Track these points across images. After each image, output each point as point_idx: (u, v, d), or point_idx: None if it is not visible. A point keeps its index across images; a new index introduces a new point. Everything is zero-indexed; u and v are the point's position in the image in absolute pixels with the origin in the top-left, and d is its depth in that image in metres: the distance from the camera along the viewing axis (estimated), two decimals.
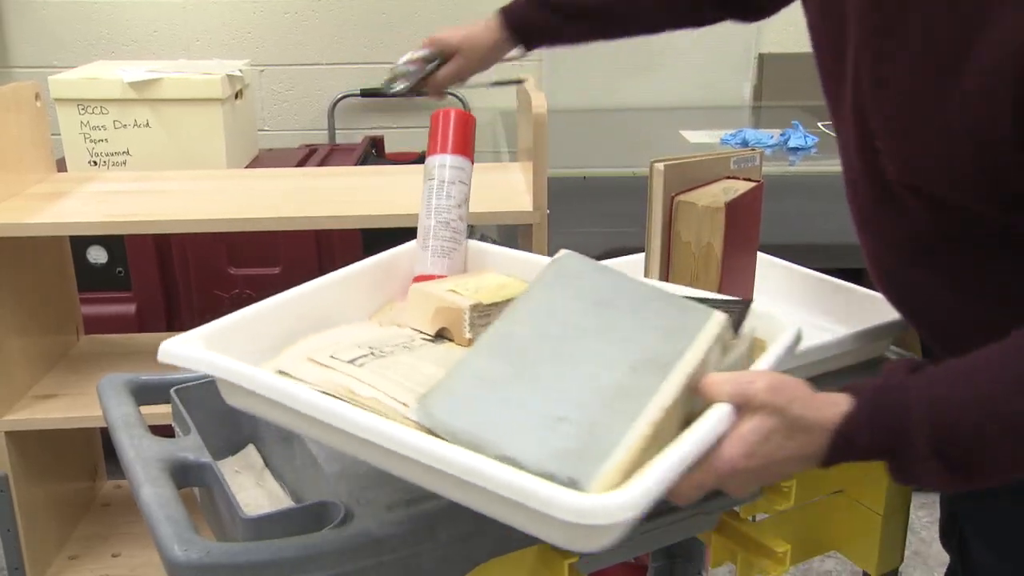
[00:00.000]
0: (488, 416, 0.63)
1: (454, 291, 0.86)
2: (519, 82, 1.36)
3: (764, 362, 0.72)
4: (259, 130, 2.67)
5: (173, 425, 0.95)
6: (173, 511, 0.73)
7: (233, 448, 0.97)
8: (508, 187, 1.56)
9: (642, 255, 1.11)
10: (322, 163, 2.28)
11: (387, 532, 0.74)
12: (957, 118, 0.68)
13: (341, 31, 2.84)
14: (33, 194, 1.54)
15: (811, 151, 2.28)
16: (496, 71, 1.31)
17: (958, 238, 0.78)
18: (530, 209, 1.43)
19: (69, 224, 1.42)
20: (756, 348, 0.77)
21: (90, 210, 1.46)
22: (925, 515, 2.17)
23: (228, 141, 1.97)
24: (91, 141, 1.93)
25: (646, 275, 1.09)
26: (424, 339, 0.85)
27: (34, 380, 1.59)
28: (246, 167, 2.13)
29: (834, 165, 2.38)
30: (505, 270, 0.96)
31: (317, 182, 1.66)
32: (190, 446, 0.85)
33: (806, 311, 1.18)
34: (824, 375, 1.01)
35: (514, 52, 1.28)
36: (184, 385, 0.94)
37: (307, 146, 2.54)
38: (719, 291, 1.03)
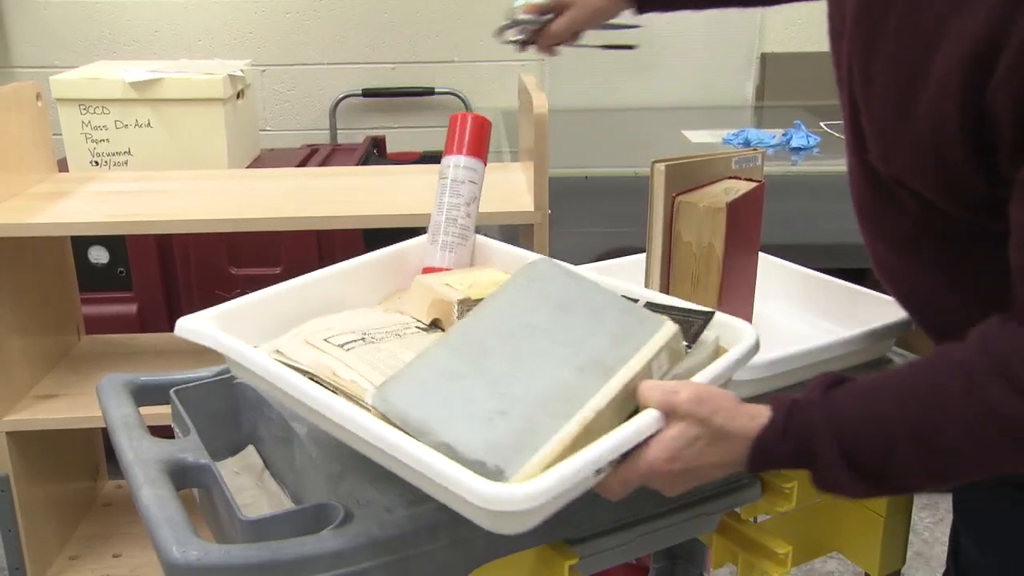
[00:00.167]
0: (436, 405, 0.69)
1: (449, 285, 0.91)
2: (631, 47, 1.33)
3: (706, 373, 0.76)
4: (261, 130, 2.67)
5: (173, 426, 0.95)
6: (172, 513, 0.73)
7: (233, 449, 0.97)
8: (509, 187, 1.56)
9: (643, 255, 1.10)
10: (323, 163, 2.28)
11: (387, 534, 0.74)
12: (921, 121, 0.71)
13: (343, 31, 2.84)
14: (34, 194, 1.54)
15: (813, 151, 2.27)
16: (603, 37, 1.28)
17: (943, 234, 0.79)
18: (531, 209, 1.43)
19: (70, 224, 1.42)
20: (719, 356, 0.81)
21: (91, 210, 1.46)
22: (927, 516, 2.16)
23: (230, 141, 1.97)
24: (92, 141, 1.93)
25: (647, 275, 1.09)
26: (419, 327, 0.89)
27: (35, 380, 1.59)
28: (248, 167, 2.13)
29: (836, 165, 2.39)
30: (509, 267, 0.98)
31: (318, 182, 1.66)
32: (189, 447, 0.85)
33: (808, 312, 1.18)
34: None
35: (626, 15, 1.25)
36: (184, 386, 0.94)
37: (309, 146, 2.54)
38: (720, 292, 1.03)
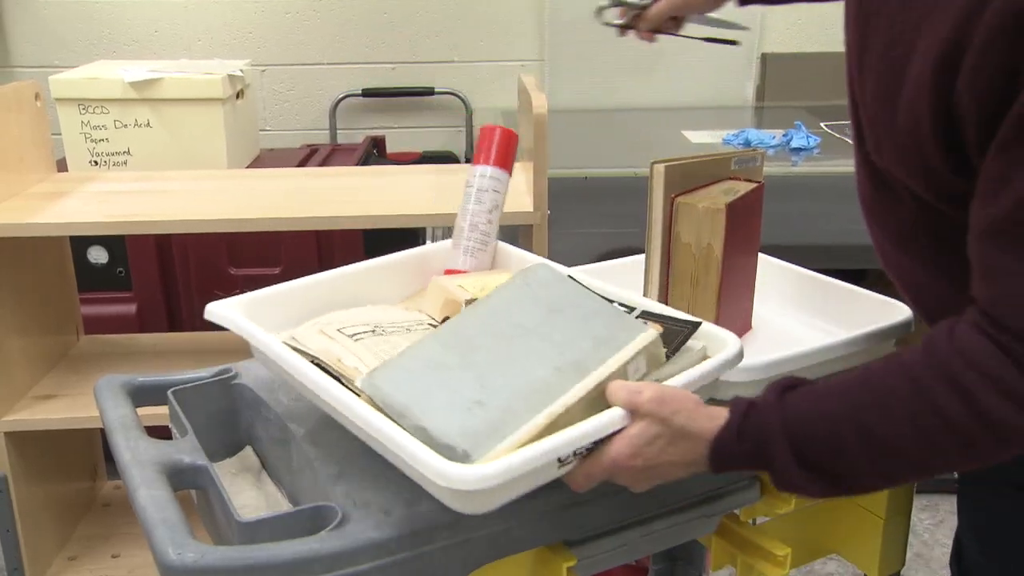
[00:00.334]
0: (419, 392, 0.74)
1: (462, 286, 0.96)
2: (732, 43, 1.31)
3: (681, 378, 0.80)
4: (260, 130, 2.67)
5: (170, 427, 0.94)
6: (169, 514, 0.73)
7: (231, 450, 0.97)
8: (509, 187, 1.55)
9: (643, 256, 1.10)
10: (323, 163, 2.27)
11: (384, 535, 0.74)
12: (902, 118, 0.73)
13: (343, 31, 2.84)
14: (33, 194, 1.54)
15: (814, 151, 2.27)
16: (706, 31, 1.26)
17: (938, 228, 0.80)
18: (531, 210, 1.43)
19: (69, 224, 1.42)
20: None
21: (91, 210, 1.46)
22: (927, 517, 2.16)
23: (229, 141, 1.97)
24: (92, 141, 1.92)
25: (646, 277, 1.09)
26: (430, 324, 0.93)
27: (34, 380, 1.59)
28: (247, 167, 2.13)
29: (836, 166, 2.38)
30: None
31: (318, 182, 1.66)
32: (186, 448, 0.84)
33: (808, 313, 1.17)
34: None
35: (729, 7, 1.23)
36: (181, 387, 0.94)
37: (308, 146, 2.54)
38: (719, 293, 1.03)
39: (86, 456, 1.82)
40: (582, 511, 0.84)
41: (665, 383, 0.79)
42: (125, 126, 1.92)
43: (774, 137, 2.34)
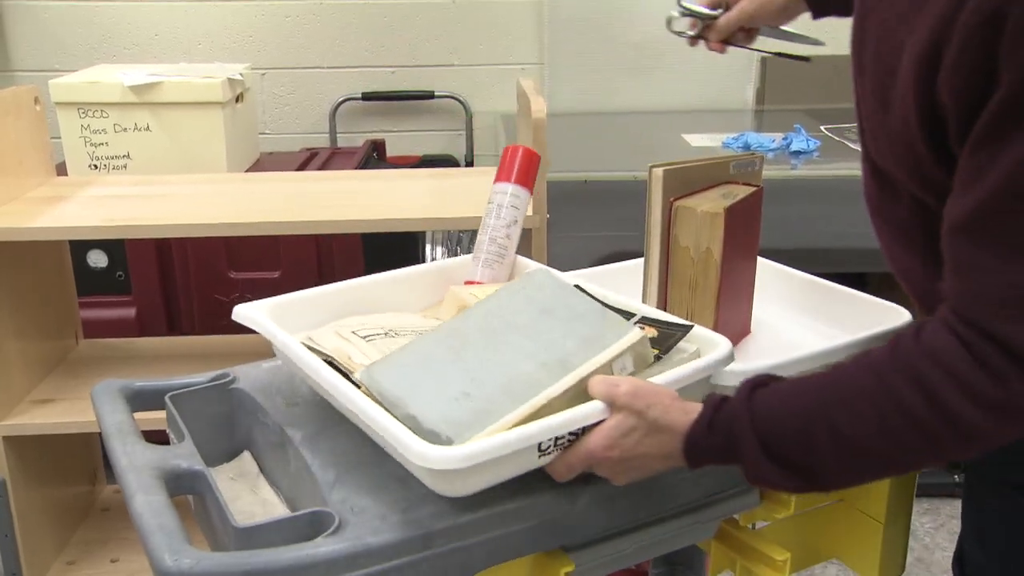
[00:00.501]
0: (412, 384, 0.78)
1: (474, 295, 1.00)
2: (804, 59, 1.30)
3: (666, 376, 0.82)
4: (260, 133, 2.67)
5: (168, 431, 0.94)
6: (165, 520, 0.72)
7: (229, 455, 0.96)
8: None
9: (642, 260, 1.10)
10: (323, 167, 2.27)
11: (381, 541, 0.74)
12: (894, 114, 0.74)
13: (342, 35, 2.84)
14: (33, 198, 1.54)
15: (813, 155, 2.27)
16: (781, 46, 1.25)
17: (933, 224, 0.80)
18: (530, 213, 1.42)
19: (69, 228, 1.42)
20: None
21: (90, 214, 1.46)
22: (928, 521, 2.16)
23: (229, 145, 1.97)
24: (91, 145, 1.92)
25: (645, 281, 1.09)
26: None
27: (33, 384, 1.59)
28: (247, 171, 2.13)
29: (836, 169, 2.38)
30: None
31: (318, 186, 1.66)
32: (183, 453, 0.84)
33: (808, 317, 1.17)
34: None
35: (804, 19, 1.22)
36: (179, 392, 0.94)
37: (308, 149, 2.54)
38: (718, 297, 1.03)
39: (85, 460, 1.82)
40: (580, 517, 0.83)
41: (650, 380, 0.81)
42: (125, 130, 1.92)
43: (774, 140, 2.34)
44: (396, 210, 1.46)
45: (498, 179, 1.16)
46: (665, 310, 1.05)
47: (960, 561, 0.97)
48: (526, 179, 1.16)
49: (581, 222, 1.98)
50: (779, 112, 2.84)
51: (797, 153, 2.26)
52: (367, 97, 2.87)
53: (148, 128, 1.92)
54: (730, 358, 0.87)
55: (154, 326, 2.06)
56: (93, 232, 1.43)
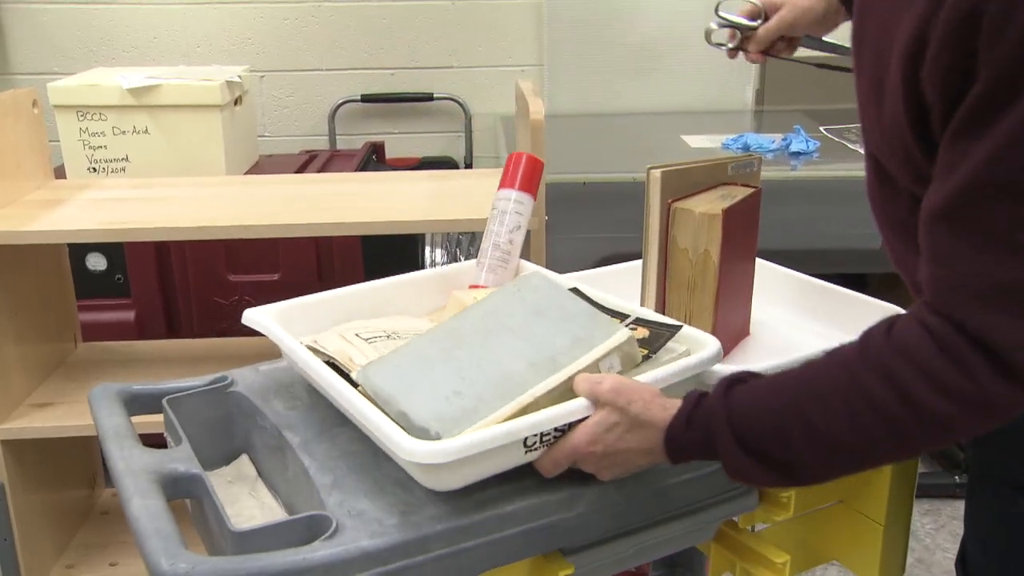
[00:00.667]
0: (406, 383, 0.81)
1: (475, 298, 0.99)
2: (847, 70, 1.29)
3: (654, 374, 0.84)
4: (259, 136, 2.66)
5: (165, 435, 0.94)
6: (162, 524, 0.72)
7: (227, 458, 0.96)
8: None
9: (640, 262, 1.10)
10: (322, 169, 2.27)
11: (378, 545, 0.74)
12: (886, 109, 0.76)
13: (341, 37, 2.84)
14: (31, 201, 1.53)
15: (813, 156, 2.26)
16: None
17: None
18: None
19: (68, 231, 1.42)
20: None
21: (89, 217, 1.46)
22: (929, 522, 2.15)
23: (228, 147, 1.97)
24: (90, 148, 1.92)
25: (643, 282, 1.08)
26: None
27: (32, 388, 1.58)
28: (246, 173, 2.12)
29: (836, 170, 2.37)
30: None
31: (317, 188, 1.66)
32: (180, 457, 0.84)
33: (807, 318, 1.17)
34: None
35: (846, 28, 1.22)
36: (176, 395, 0.94)
37: (307, 152, 2.53)
38: (716, 298, 1.03)
39: (84, 464, 1.82)
40: (579, 519, 0.83)
41: (636, 379, 0.82)
42: (123, 133, 1.92)
43: (773, 141, 2.34)
44: (395, 212, 1.46)
45: (502, 185, 1.18)
46: (663, 312, 1.05)
47: (963, 562, 0.97)
48: (529, 185, 1.18)
49: (580, 224, 1.98)
50: (778, 113, 2.84)
51: (796, 154, 2.26)
52: (366, 99, 2.87)
53: (147, 131, 1.92)
54: (717, 357, 0.88)
55: (153, 329, 2.06)
56: (92, 235, 1.43)
